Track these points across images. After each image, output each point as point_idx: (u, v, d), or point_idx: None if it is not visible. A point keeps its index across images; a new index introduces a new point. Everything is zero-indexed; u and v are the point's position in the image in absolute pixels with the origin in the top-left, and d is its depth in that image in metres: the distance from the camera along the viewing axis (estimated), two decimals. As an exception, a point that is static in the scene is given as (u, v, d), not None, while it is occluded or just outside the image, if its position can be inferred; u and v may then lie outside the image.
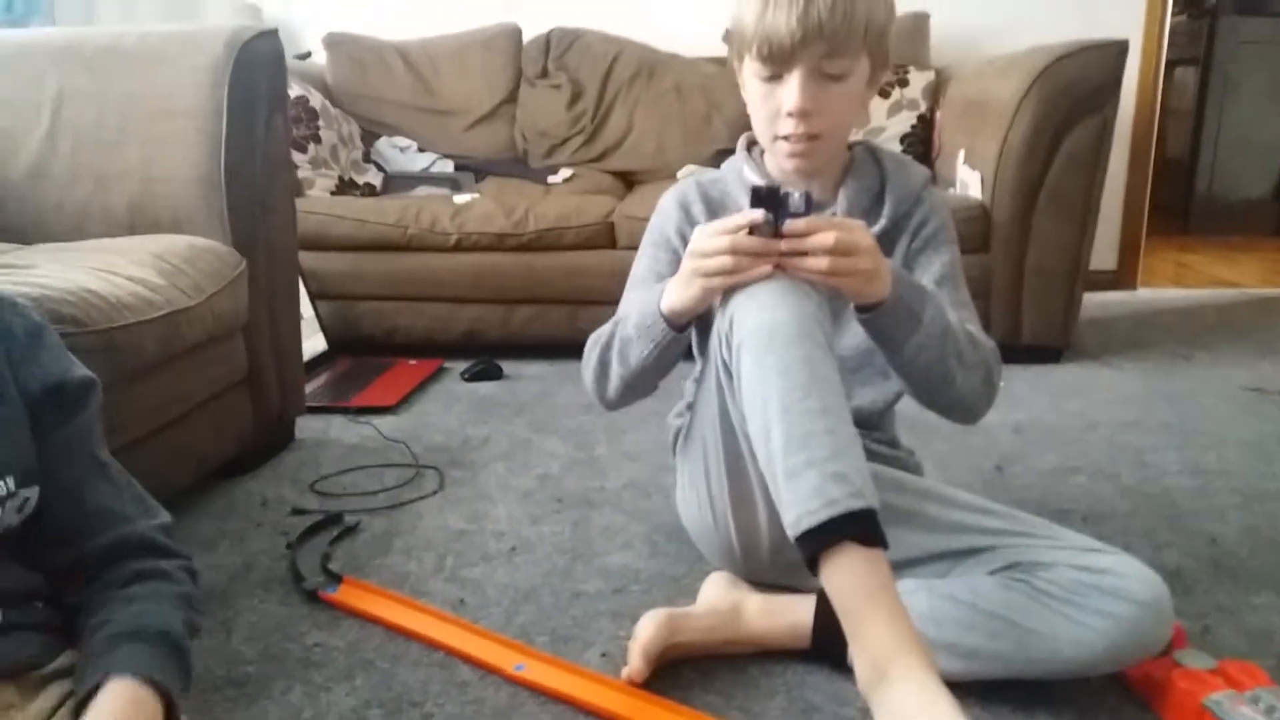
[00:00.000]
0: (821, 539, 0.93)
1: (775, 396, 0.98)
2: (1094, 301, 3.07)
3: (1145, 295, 3.44)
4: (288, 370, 1.94)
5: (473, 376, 2.48)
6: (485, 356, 2.55)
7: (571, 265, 2.57)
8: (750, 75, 1.17)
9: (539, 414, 2.19)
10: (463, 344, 2.65)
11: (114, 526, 0.88)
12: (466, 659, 1.20)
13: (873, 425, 1.32)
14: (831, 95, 1.13)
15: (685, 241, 1.22)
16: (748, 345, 1.01)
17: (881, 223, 1.24)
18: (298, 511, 1.65)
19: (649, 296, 1.16)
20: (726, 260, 1.02)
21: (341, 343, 2.68)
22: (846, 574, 0.93)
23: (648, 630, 1.14)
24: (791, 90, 1.12)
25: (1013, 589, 1.07)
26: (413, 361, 2.58)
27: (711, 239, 1.03)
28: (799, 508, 0.94)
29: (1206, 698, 1.02)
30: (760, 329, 1.00)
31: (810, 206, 1.01)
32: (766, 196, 1.01)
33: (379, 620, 1.29)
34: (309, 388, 2.23)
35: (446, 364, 2.59)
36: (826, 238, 1.00)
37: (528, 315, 2.63)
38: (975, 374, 1.17)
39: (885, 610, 0.92)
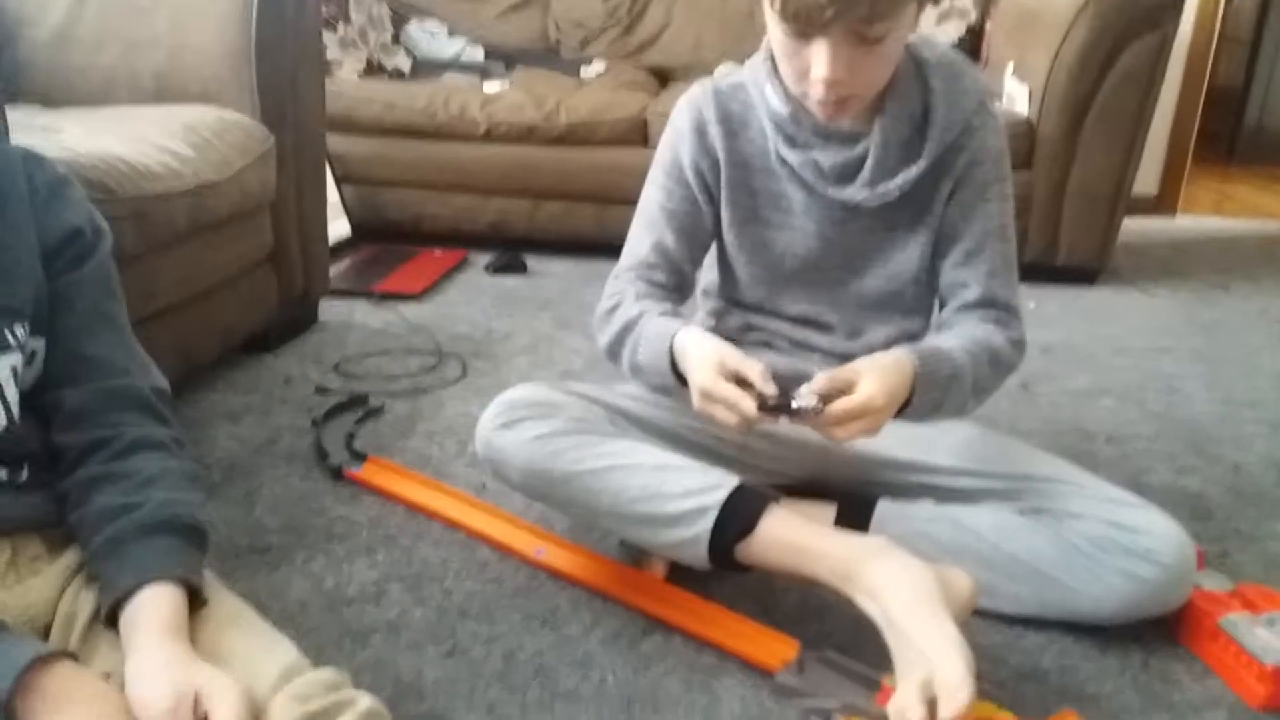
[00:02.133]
0: (723, 555, 1.00)
1: (594, 513, 1.06)
2: (1132, 226, 2.99)
3: (1185, 223, 3.36)
4: (313, 250, 1.92)
5: (497, 269, 2.46)
6: (510, 250, 2.53)
7: (602, 162, 2.51)
8: (770, 19, 0.98)
9: (563, 310, 2.18)
10: (488, 236, 2.62)
11: (110, 376, 0.86)
12: (487, 540, 1.21)
13: None
14: (870, 59, 0.96)
15: (700, 176, 1.16)
16: (527, 490, 1.11)
17: (920, 164, 1.08)
18: (321, 390, 1.66)
19: (662, 336, 1.07)
20: (732, 421, 0.97)
21: (366, 228, 2.66)
22: (764, 555, 0.99)
23: None
24: (820, 59, 0.94)
25: (1039, 534, 1.06)
26: (437, 251, 2.56)
27: (721, 401, 0.97)
28: (690, 556, 1.02)
29: (1223, 618, 1.02)
30: (520, 480, 1.09)
31: (822, 408, 0.96)
32: (777, 407, 0.96)
33: (402, 499, 1.30)
34: (333, 271, 2.21)
35: (471, 255, 2.57)
36: (832, 433, 0.97)
37: (555, 211, 2.59)
38: (987, 395, 1.12)
39: (815, 544, 0.97)
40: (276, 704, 0.63)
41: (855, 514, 1.15)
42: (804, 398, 0.96)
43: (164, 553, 0.77)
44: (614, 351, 1.16)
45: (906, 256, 1.15)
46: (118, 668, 0.70)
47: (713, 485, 1.01)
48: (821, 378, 0.97)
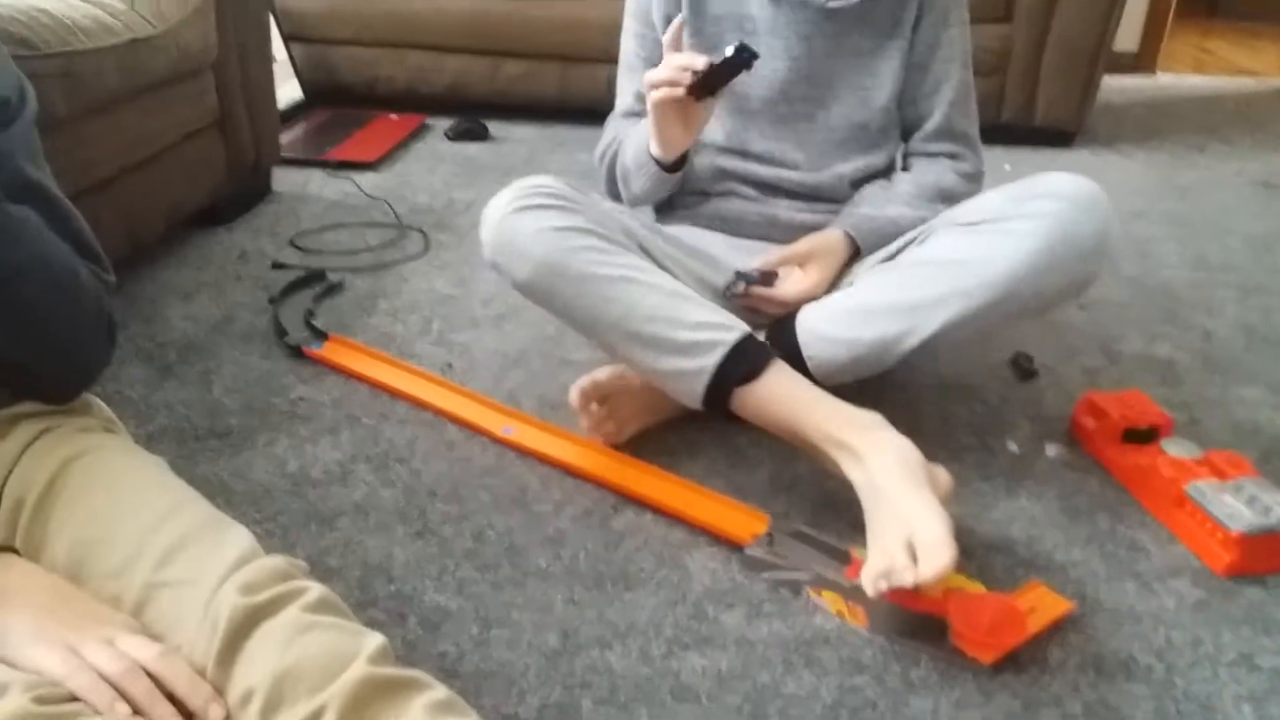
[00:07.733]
0: (719, 398, 0.99)
1: (599, 324, 1.02)
2: (1111, 86, 2.93)
3: (1164, 81, 3.28)
4: (261, 116, 1.82)
5: (457, 136, 2.36)
6: (471, 115, 2.42)
7: (566, 16, 2.38)
8: None
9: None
10: (447, 99, 2.50)
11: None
12: (454, 420, 1.19)
13: (841, 198, 1.22)
14: None
15: (666, 21, 1.16)
16: (532, 286, 1.03)
17: None
18: (278, 266, 1.60)
19: (641, 131, 1.14)
20: (684, 81, 1.02)
21: (318, 92, 2.53)
22: (758, 405, 0.99)
23: (593, 374, 1.12)
24: None
25: (950, 232, 1.08)
26: (394, 116, 2.45)
27: (670, 68, 1.03)
28: (685, 389, 1.01)
29: (1190, 485, 1.02)
30: (528, 273, 1.01)
31: (752, 56, 0.99)
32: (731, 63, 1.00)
33: (365, 379, 1.27)
34: (285, 138, 2.12)
35: (429, 120, 2.46)
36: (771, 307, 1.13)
37: (517, 71, 2.47)
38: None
39: (813, 404, 0.98)
40: (222, 595, 0.60)
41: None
42: (747, 273, 1.13)
43: None
44: (613, 191, 1.24)
45: (877, 83, 1.17)
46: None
47: (726, 324, 1.01)
48: (775, 253, 1.12)
